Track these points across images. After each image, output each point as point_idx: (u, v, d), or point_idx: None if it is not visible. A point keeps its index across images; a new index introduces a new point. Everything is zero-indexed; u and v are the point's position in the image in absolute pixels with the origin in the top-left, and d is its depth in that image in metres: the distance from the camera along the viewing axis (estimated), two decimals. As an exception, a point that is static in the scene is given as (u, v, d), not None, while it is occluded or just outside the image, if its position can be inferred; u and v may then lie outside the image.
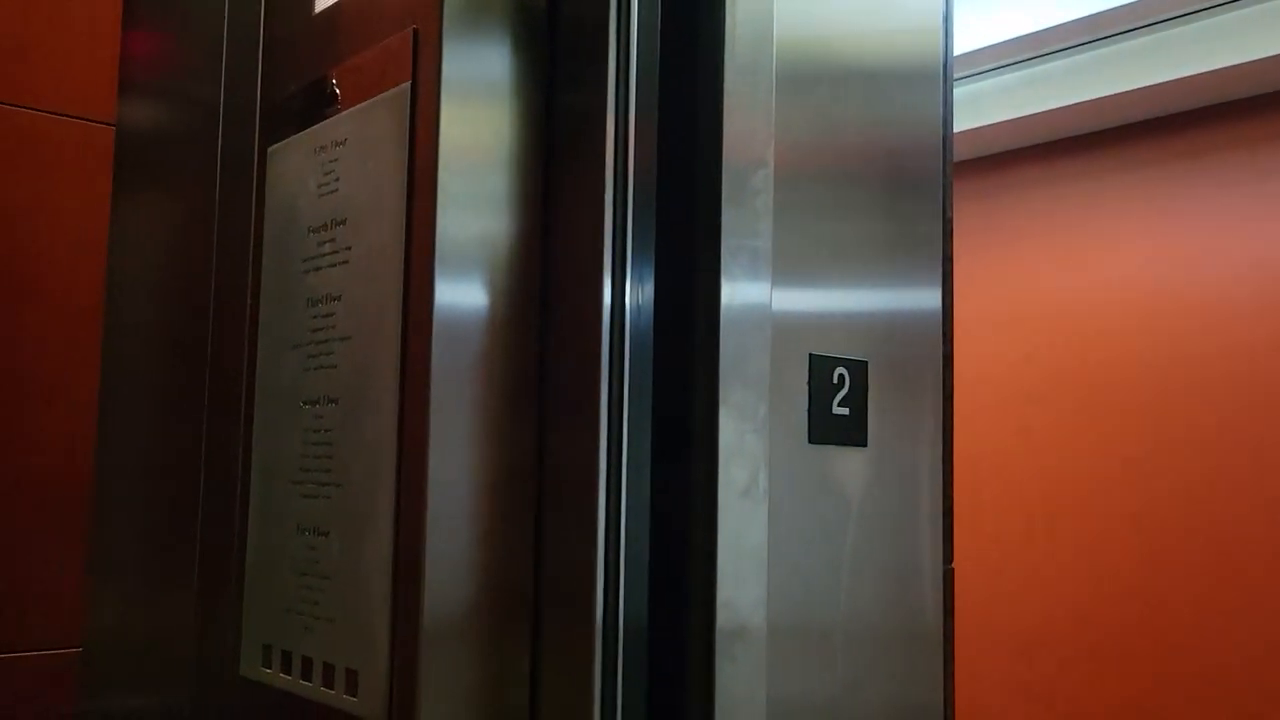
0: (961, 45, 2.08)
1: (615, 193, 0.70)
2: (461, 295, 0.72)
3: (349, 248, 0.79)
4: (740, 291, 0.70)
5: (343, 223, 0.81)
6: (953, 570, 0.79)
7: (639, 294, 0.71)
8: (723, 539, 0.68)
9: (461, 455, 0.71)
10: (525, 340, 0.74)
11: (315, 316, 0.82)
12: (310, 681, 0.79)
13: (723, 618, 0.67)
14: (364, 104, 0.79)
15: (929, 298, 0.82)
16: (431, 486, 0.70)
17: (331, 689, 0.76)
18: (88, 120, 0.89)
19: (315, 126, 0.85)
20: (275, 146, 0.91)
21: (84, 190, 0.88)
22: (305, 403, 0.82)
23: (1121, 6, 2.18)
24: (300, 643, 0.80)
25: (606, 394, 0.69)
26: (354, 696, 0.74)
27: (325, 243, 0.82)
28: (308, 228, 0.85)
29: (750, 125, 0.71)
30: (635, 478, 0.69)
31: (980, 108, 2.53)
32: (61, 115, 0.89)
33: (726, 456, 0.68)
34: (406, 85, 0.75)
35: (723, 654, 0.67)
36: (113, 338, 0.92)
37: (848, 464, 0.75)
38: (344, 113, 0.82)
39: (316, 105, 0.85)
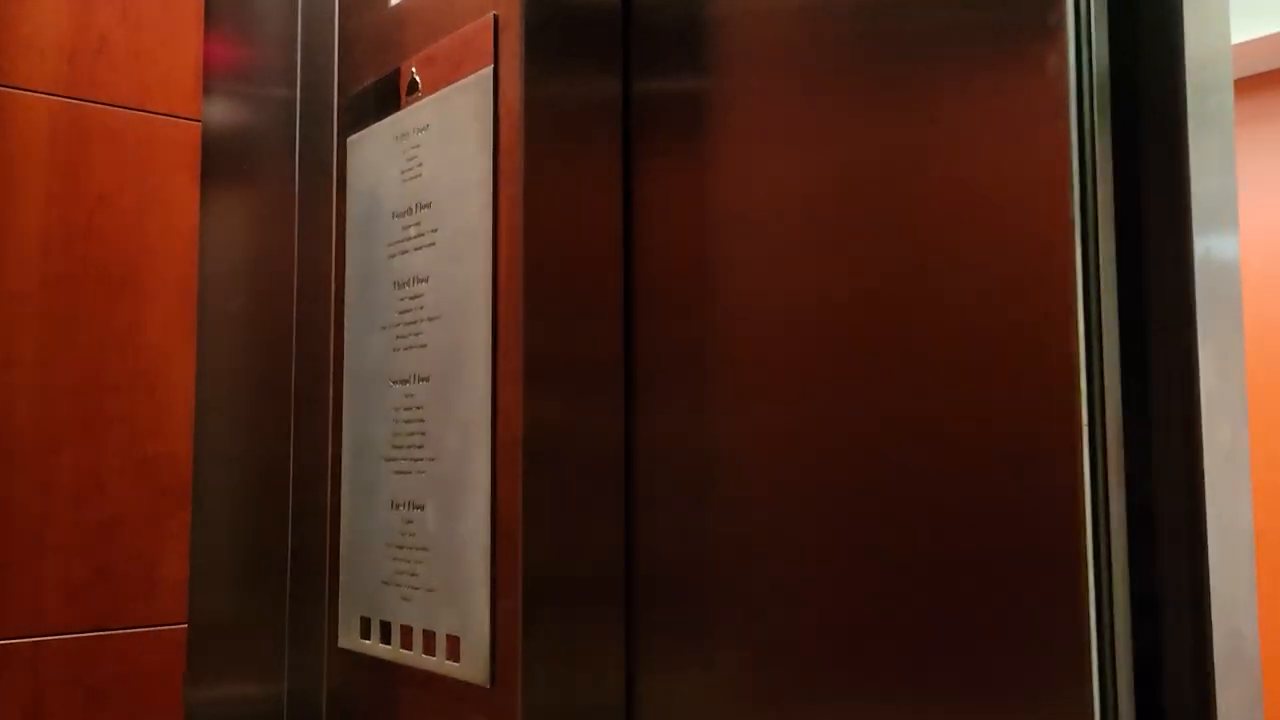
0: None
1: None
2: (549, 268, 0.74)
3: (435, 230, 0.82)
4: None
5: (427, 206, 0.83)
6: None
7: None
8: (1211, 517, 0.50)
9: (555, 430, 0.73)
10: (607, 310, 0.76)
11: (403, 299, 0.85)
12: (410, 649, 0.82)
13: (1218, 628, 0.49)
14: (445, 89, 0.82)
15: None
16: (526, 459, 0.72)
17: (432, 655, 0.79)
18: (178, 117, 0.93)
19: (396, 114, 0.88)
20: (355, 136, 0.94)
21: (177, 184, 0.92)
22: (395, 382, 0.85)
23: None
24: (399, 613, 0.83)
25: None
26: (455, 662, 0.77)
27: (410, 226, 0.85)
28: (392, 212, 0.88)
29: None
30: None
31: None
32: (155, 113, 0.92)
33: (1209, 407, 0.51)
34: (489, 69, 0.77)
35: (1221, 680, 0.49)
36: (203, 327, 0.95)
37: None
38: (425, 99, 0.85)
39: (395, 94, 0.88)
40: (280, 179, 1.04)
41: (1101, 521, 0.51)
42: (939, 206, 0.59)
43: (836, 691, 0.64)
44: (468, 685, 0.75)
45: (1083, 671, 0.50)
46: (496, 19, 0.77)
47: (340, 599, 0.91)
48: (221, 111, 1.03)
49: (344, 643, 0.90)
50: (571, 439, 0.75)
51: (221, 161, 1.00)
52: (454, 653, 0.77)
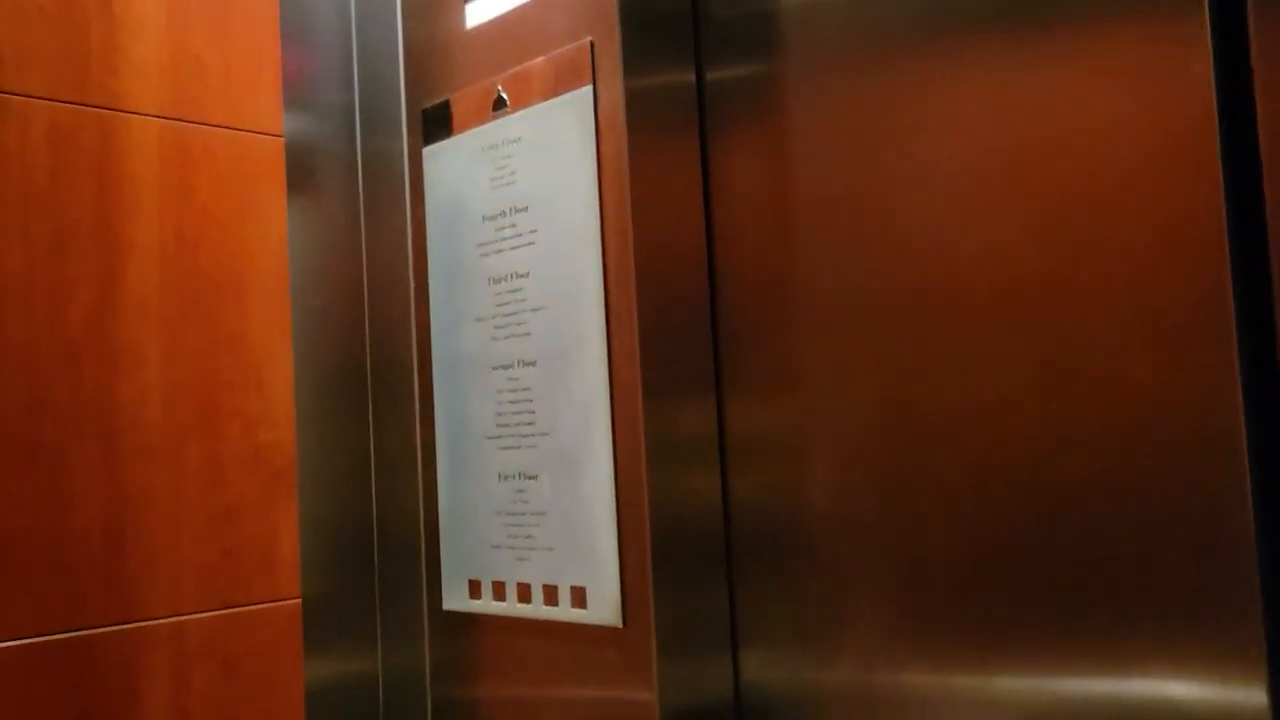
0: None
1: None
2: (652, 257, 0.85)
3: (534, 230, 0.92)
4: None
5: (524, 209, 0.93)
6: None
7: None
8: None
9: (665, 401, 0.85)
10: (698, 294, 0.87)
11: (500, 293, 0.95)
12: (529, 603, 0.92)
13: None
14: (538, 105, 0.92)
15: None
16: (647, 425, 0.83)
17: (555, 605, 0.90)
18: (264, 134, 1.01)
19: (480, 127, 0.98)
20: (432, 147, 1.04)
21: (267, 196, 1.00)
22: (496, 368, 0.95)
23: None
24: (514, 572, 0.94)
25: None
26: (583, 609, 0.87)
27: (505, 228, 0.95)
28: (482, 216, 0.97)
29: None
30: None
31: None
32: (245, 130, 1.00)
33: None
34: (588, 89, 0.88)
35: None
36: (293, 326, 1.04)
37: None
38: (515, 113, 0.94)
39: (481, 109, 0.98)
40: (344, 186, 1.12)
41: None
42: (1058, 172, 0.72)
43: (926, 632, 0.76)
44: (598, 629, 0.86)
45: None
46: (593, 44, 0.87)
47: (444, 565, 1.01)
48: (292, 123, 1.11)
49: (450, 605, 1.00)
50: (679, 409, 0.86)
51: (295, 172, 1.09)
52: (580, 601, 0.88)
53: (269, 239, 0.99)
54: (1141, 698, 0.65)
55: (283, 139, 1.02)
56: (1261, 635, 0.60)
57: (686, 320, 0.87)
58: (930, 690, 0.75)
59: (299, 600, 0.99)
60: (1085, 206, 0.68)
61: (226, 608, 0.94)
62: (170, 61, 0.95)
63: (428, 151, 1.04)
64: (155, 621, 0.90)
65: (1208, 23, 0.62)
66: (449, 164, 1.02)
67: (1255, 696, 0.60)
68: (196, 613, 0.92)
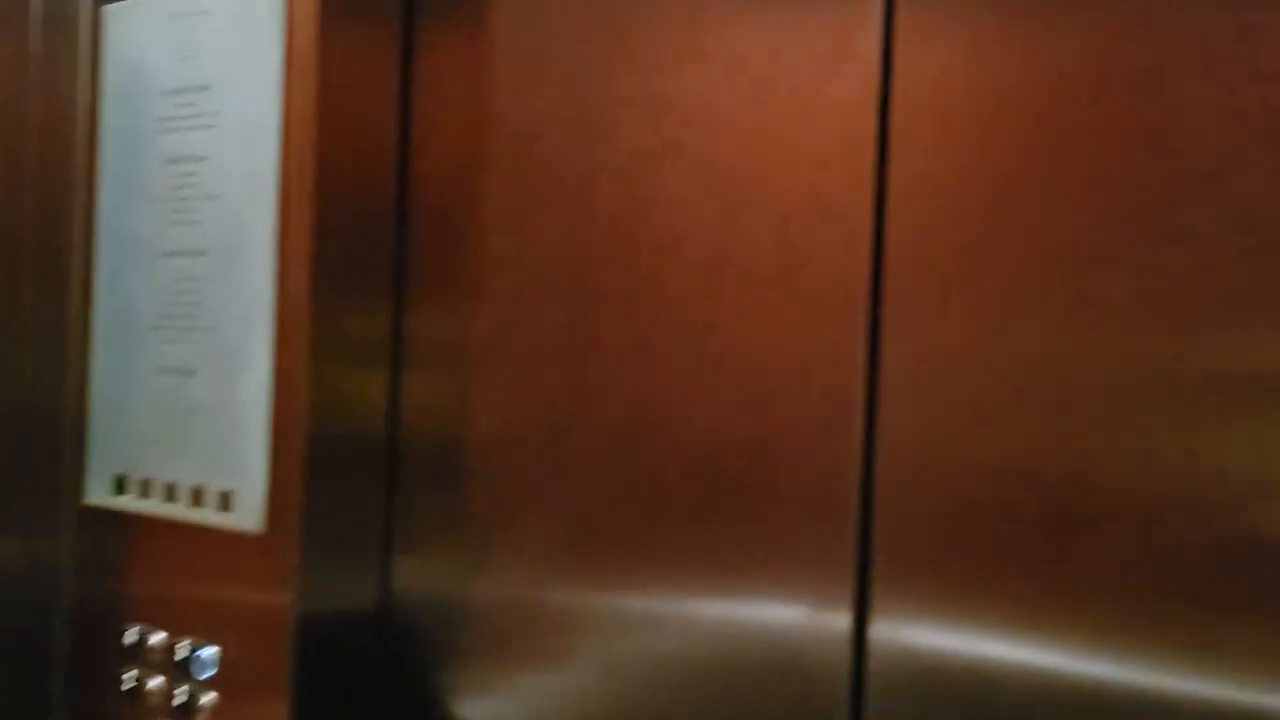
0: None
1: (477, 84, 0.82)
2: (337, 156, 0.82)
3: (216, 112, 0.87)
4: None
5: (206, 88, 0.88)
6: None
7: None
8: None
9: (335, 307, 0.82)
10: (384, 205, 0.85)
11: (175, 175, 0.89)
12: (175, 503, 0.88)
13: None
14: (231, -21, 0.86)
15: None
16: (314, 328, 0.81)
17: (202, 508, 0.86)
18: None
19: (168, -7, 0.90)
20: (113, 7, 0.95)
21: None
22: (166, 255, 0.90)
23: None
24: (163, 470, 0.89)
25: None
26: (229, 512, 0.84)
27: (185, 106, 0.89)
28: (161, 90, 0.91)
29: None
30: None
31: None
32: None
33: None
34: (283, -31, 0.82)
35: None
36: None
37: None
38: (206, -16, 0.88)
39: (171, -27, 0.90)
40: (14, 41, 1.02)
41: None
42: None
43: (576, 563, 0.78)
44: (242, 533, 0.84)
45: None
46: (293, -79, 0.82)
47: (91, 457, 0.95)
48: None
49: (93, 499, 0.94)
50: (351, 315, 0.84)
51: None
52: (226, 504, 0.85)
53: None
54: (750, 620, 0.69)
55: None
56: (852, 567, 0.65)
57: (369, 224, 0.85)
58: (578, 608, 0.78)
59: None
60: (753, 163, 0.70)
61: None
62: None
63: (109, 11, 0.96)
64: None
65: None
66: (132, 28, 0.94)
67: (841, 622, 0.65)
68: None
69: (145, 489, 0.91)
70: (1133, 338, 0.57)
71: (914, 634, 0.63)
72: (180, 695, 0.86)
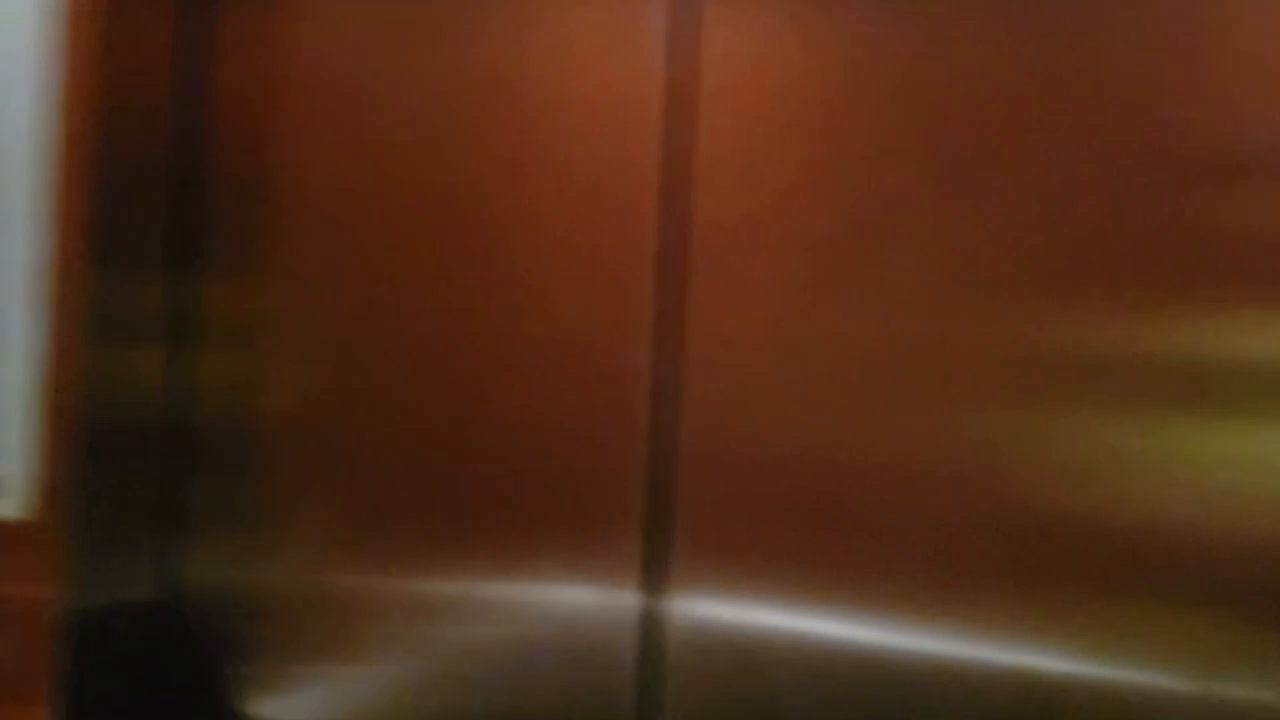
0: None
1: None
2: (123, 122, 0.77)
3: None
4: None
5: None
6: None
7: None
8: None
9: (118, 278, 0.78)
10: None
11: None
12: (-70, 492, 0.81)
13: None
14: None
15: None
16: (90, 303, 0.76)
17: (-40, 496, 0.80)
18: None
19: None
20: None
21: None
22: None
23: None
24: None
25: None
26: (-9, 500, 0.78)
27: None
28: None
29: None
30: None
31: None
32: None
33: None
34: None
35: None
36: None
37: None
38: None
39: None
40: None
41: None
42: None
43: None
44: (6, 522, 0.78)
45: (571, 484, 0.67)
46: None
47: None
48: None
49: None
50: (132, 288, 0.79)
51: None
52: (-12, 492, 0.78)
53: None
54: (542, 601, 0.68)
55: None
56: (639, 548, 0.65)
57: (154, 192, 0.80)
58: (373, 594, 0.75)
59: None
60: (547, 139, 0.69)
61: None
62: None
63: None
64: None
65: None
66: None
67: (630, 600, 0.65)
68: None
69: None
70: (924, 319, 0.58)
71: (705, 611, 0.63)
72: (-69, 700, 0.80)
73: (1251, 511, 0.55)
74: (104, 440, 0.78)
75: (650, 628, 0.64)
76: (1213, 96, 0.55)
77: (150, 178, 0.80)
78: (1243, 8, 0.54)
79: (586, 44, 0.68)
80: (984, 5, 0.57)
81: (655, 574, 0.64)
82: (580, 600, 0.66)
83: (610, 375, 0.66)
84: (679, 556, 0.63)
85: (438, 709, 0.70)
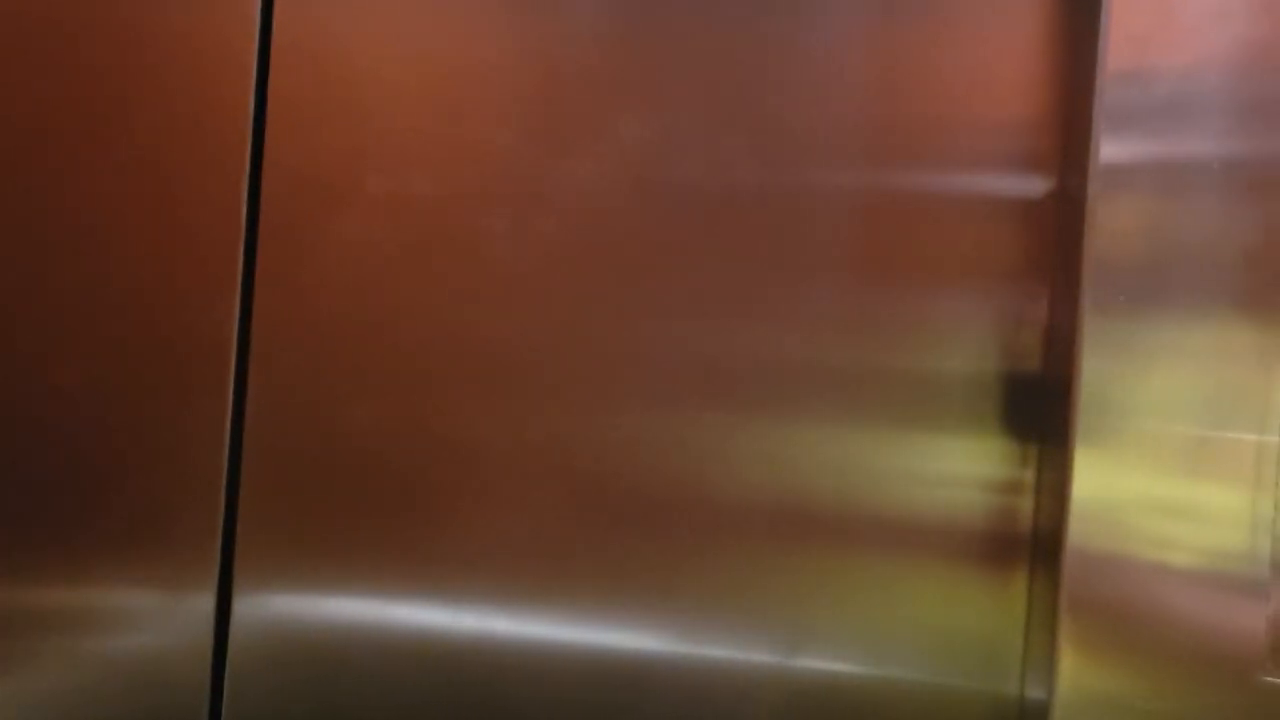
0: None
1: None
2: None
3: None
4: None
5: None
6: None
7: None
8: None
9: None
10: None
11: None
12: None
13: None
14: None
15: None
16: None
17: None
18: None
19: None
20: None
21: None
22: None
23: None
24: None
25: None
26: None
27: None
28: None
29: None
30: None
31: None
32: None
33: None
34: None
35: None
36: None
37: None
38: None
39: None
40: None
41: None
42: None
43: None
44: None
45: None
46: None
47: None
48: None
49: None
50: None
51: None
52: None
53: None
54: (102, 607, 0.61)
55: None
56: (217, 548, 0.59)
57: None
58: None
59: None
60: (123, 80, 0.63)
61: None
62: None
63: None
64: None
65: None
66: None
67: (205, 603, 0.59)
68: None
69: None
70: (522, 289, 0.57)
71: (273, 608, 0.59)
72: None
73: (794, 496, 0.58)
74: None
75: (220, 628, 0.59)
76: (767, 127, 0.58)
77: None
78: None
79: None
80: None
81: (225, 569, 0.59)
82: (152, 604, 0.60)
83: (191, 348, 0.60)
84: (246, 550, 0.58)
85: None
